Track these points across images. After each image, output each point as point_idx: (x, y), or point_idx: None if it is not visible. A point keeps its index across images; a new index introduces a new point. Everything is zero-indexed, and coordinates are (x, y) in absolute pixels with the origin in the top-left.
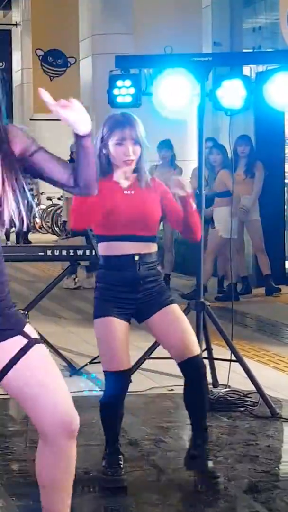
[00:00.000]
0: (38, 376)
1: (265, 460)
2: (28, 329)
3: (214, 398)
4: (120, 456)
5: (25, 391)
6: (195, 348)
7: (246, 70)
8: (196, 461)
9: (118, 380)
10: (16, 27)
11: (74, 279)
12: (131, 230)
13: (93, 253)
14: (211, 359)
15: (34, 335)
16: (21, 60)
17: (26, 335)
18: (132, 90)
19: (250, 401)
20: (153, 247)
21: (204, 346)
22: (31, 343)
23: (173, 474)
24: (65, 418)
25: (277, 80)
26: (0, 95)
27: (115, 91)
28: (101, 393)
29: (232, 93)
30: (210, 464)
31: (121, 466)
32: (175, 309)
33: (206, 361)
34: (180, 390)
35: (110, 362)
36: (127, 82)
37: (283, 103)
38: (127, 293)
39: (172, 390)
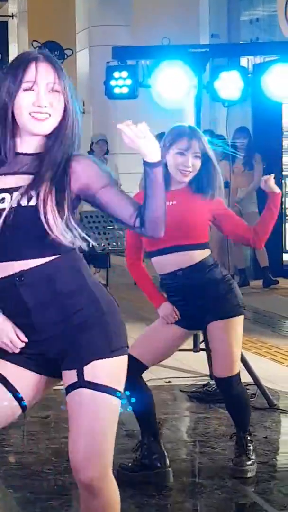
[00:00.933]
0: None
1: (262, 451)
2: (89, 369)
3: (212, 390)
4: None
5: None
6: (225, 370)
7: (243, 61)
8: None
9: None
10: (13, 18)
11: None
12: (173, 241)
13: (91, 246)
14: (208, 351)
15: (89, 377)
16: (17, 51)
17: (80, 374)
18: (129, 82)
19: (248, 392)
20: (197, 256)
21: (201, 338)
22: (77, 384)
23: (170, 465)
24: (72, 464)
25: (275, 72)
26: (77, 128)
27: (112, 82)
28: None
29: (229, 84)
30: (209, 455)
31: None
32: (226, 325)
33: (204, 353)
34: (178, 382)
35: (138, 344)
36: (124, 73)
37: (281, 94)
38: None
39: (169, 382)
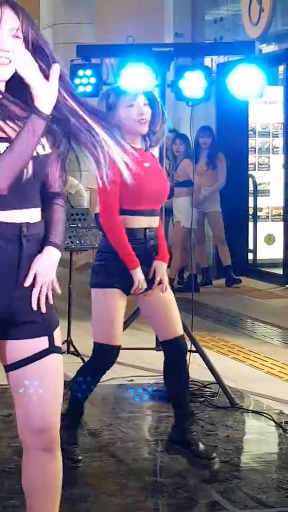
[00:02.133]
0: (35, 386)
1: (224, 450)
2: (57, 333)
3: None
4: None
5: (18, 395)
6: (179, 328)
7: (207, 61)
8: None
9: (111, 354)
10: None
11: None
12: (150, 205)
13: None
14: None
15: (58, 342)
16: None
17: (51, 340)
18: (93, 80)
19: (210, 391)
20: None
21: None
22: (50, 350)
23: (132, 464)
24: (37, 426)
25: (239, 72)
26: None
27: (76, 81)
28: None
29: (193, 84)
30: (170, 454)
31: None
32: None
33: None
34: (140, 380)
35: (107, 335)
36: (88, 72)
37: (245, 94)
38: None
39: (132, 380)
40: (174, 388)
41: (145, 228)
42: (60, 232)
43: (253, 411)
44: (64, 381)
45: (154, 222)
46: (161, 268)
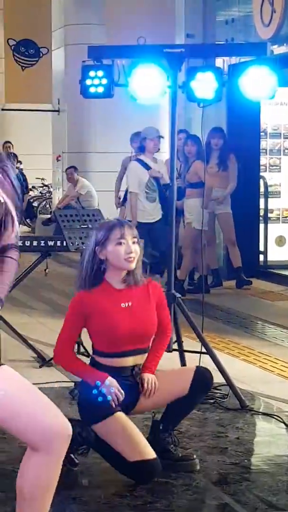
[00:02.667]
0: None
1: (234, 452)
2: None
3: None
4: None
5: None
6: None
7: (219, 62)
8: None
9: (150, 471)
10: None
11: (45, 269)
12: (133, 345)
13: (64, 244)
14: (181, 351)
15: None
16: None
17: None
18: (104, 81)
19: (220, 393)
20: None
21: (174, 338)
22: None
23: None
24: (59, 422)
25: (251, 73)
26: None
27: (88, 82)
28: (71, 384)
29: (205, 85)
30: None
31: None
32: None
33: (176, 354)
34: None
35: (134, 450)
36: (100, 73)
37: (256, 95)
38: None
39: None
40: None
41: (132, 366)
42: (5, 285)
43: (264, 413)
44: (74, 382)
45: (141, 359)
46: (148, 381)
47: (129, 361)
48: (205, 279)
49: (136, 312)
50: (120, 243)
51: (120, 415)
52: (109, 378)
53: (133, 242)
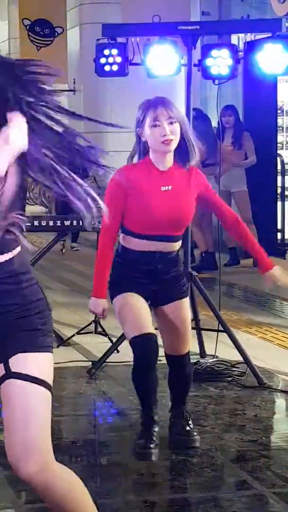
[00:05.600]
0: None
1: (252, 429)
2: (16, 359)
3: (202, 368)
4: (154, 429)
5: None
6: (186, 347)
7: (234, 39)
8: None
9: (144, 344)
10: None
11: (62, 249)
12: (162, 231)
13: (80, 224)
14: (198, 329)
15: (18, 368)
16: (8, 29)
17: (7, 367)
18: (119, 59)
19: (238, 371)
20: (177, 246)
21: (191, 317)
22: (5, 376)
23: (160, 443)
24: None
25: (267, 49)
26: None
27: (102, 60)
28: (89, 363)
29: (220, 62)
30: (197, 433)
31: (153, 439)
32: (184, 306)
33: (193, 332)
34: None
35: (133, 327)
36: (114, 51)
37: (272, 72)
38: (144, 283)
39: (160, 360)
40: (175, 398)
41: (154, 252)
42: None
43: (281, 391)
44: (92, 361)
45: (166, 247)
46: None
47: (153, 246)
48: (213, 257)
49: (175, 197)
50: (155, 125)
51: (131, 294)
52: (97, 301)
53: (170, 123)
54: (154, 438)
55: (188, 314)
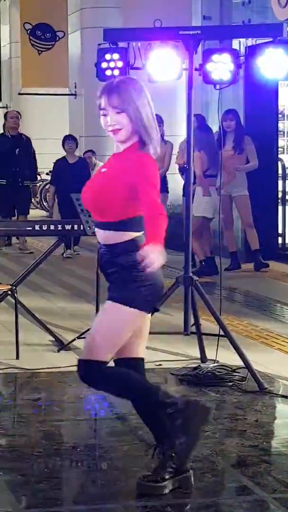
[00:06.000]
0: None
1: (253, 434)
2: None
3: (203, 373)
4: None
5: None
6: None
7: (235, 44)
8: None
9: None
10: (4, 0)
11: (62, 254)
12: (94, 216)
13: (81, 228)
14: (199, 334)
15: None
16: (9, 33)
17: None
18: (120, 64)
19: (238, 376)
20: (111, 238)
21: (192, 321)
22: None
23: None
24: None
25: (268, 54)
26: None
27: (103, 65)
28: None
29: (221, 66)
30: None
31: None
32: (106, 307)
33: (194, 336)
34: (169, 365)
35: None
36: (115, 56)
37: (273, 76)
38: None
39: (160, 365)
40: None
41: (99, 242)
42: None
43: (282, 395)
44: None
45: (100, 236)
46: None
47: (97, 234)
48: (214, 261)
49: (103, 179)
50: (103, 115)
51: (133, 311)
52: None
53: (116, 113)
54: None
55: (103, 318)
